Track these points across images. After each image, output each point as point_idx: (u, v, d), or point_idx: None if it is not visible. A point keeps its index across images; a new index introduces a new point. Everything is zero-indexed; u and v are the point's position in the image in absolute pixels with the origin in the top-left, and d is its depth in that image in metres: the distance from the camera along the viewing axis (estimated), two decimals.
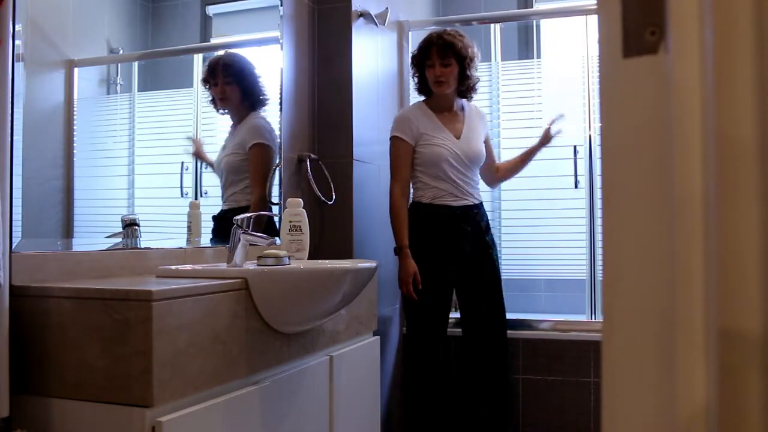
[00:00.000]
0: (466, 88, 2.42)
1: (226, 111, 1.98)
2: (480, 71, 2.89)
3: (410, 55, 2.49)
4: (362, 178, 2.41)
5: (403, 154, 2.36)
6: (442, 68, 2.34)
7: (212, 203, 1.96)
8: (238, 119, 2.01)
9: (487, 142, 2.50)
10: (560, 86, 2.84)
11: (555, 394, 2.52)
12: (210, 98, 1.92)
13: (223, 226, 1.82)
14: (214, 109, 1.94)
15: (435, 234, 2.32)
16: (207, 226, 1.90)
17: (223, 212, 1.95)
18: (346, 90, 2.35)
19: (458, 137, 2.39)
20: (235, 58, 2.05)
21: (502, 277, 2.40)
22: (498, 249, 2.46)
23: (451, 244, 2.31)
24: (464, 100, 2.48)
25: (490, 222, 2.46)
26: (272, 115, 2.22)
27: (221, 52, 2.02)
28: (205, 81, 1.91)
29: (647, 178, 0.52)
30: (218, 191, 1.99)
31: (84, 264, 1.39)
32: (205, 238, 1.87)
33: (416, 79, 2.46)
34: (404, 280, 2.30)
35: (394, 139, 2.37)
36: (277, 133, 2.19)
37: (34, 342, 1.19)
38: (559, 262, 2.87)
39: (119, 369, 1.13)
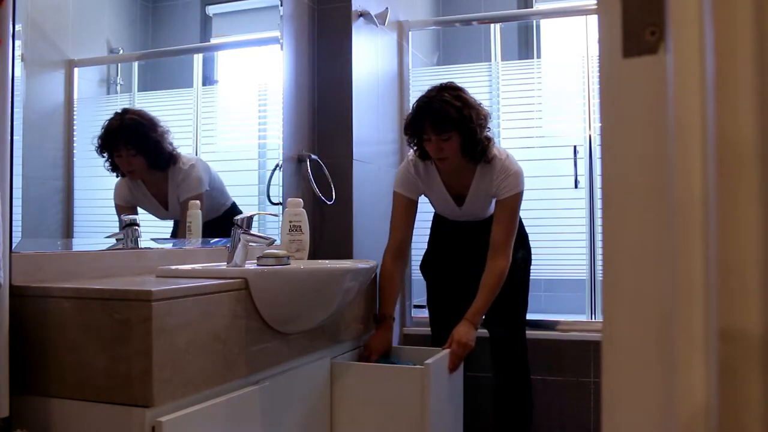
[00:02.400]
0: (474, 154, 2.02)
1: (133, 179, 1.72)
2: (480, 71, 2.90)
3: (404, 121, 2.10)
4: (362, 178, 2.41)
5: (400, 209, 2.15)
6: (440, 143, 1.97)
7: None
8: (154, 184, 1.77)
9: (496, 207, 2.08)
10: (560, 86, 2.84)
11: (555, 394, 2.51)
12: (108, 163, 1.63)
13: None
14: (115, 174, 1.67)
15: (451, 237, 2.29)
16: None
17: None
18: (346, 90, 2.35)
19: (461, 204, 2.15)
20: (135, 121, 1.72)
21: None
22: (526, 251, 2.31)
23: (467, 247, 2.24)
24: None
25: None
26: (272, 114, 2.22)
27: (119, 117, 1.67)
28: (102, 148, 1.61)
29: (647, 178, 0.52)
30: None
31: (84, 264, 1.39)
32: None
33: (414, 147, 2.09)
34: (375, 348, 2.02)
35: (394, 193, 2.17)
36: (278, 133, 2.19)
37: (34, 342, 1.19)
38: (559, 262, 2.86)
39: (119, 369, 1.13)
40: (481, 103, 2.07)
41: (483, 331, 2.29)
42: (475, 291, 2.16)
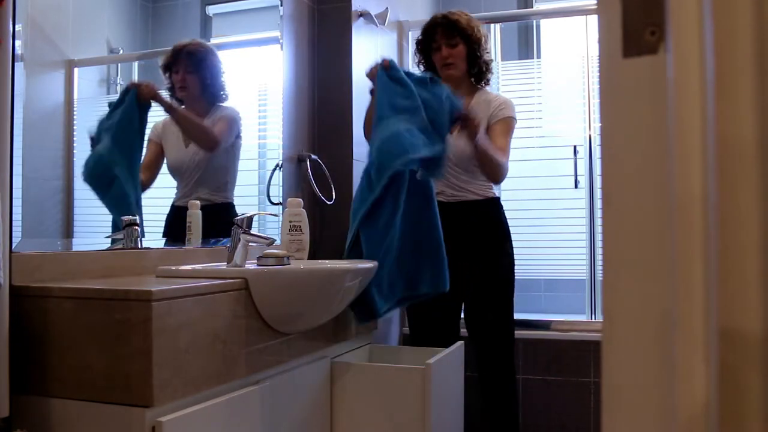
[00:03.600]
0: (477, 71, 2.27)
1: (182, 101, 1.87)
2: None
3: (414, 42, 2.36)
4: None
5: None
6: (449, 49, 2.22)
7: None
8: (195, 113, 1.92)
9: (490, 129, 2.22)
10: (560, 86, 2.84)
11: (555, 394, 2.52)
12: (168, 86, 1.81)
13: (183, 221, 1.80)
14: (171, 98, 1.83)
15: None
16: (159, 219, 1.81)
17: (181, 208, 1.83)
18: (346, 90, 2.35)
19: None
20: (200, 47, 1.93)
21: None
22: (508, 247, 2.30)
23: (453, 241, 2.21)
24: (485, 89, 2.30)
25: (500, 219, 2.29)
26: (272, 114, 2.22)
27: (187, 40, 1.89)
28: (166, 67, 1.80)
29: (647, 178, 0.52)
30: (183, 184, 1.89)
31: (84, 264, 1.39)
32: (156, 234, 1.78)
33: (422, 67, 2.32)
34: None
35: None
36: (278, 133, 2.19)
37: (34, 342, 1.20)
38: (559, 262, 2.86)
39: (119, 369, 1.13)
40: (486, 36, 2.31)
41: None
42: (462, 292, 2.21)
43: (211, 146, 1.93)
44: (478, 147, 2.08)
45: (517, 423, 2.27)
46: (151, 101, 1.72)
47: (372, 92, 2.05)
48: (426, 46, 2.29)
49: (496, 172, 2.18)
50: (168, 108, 1.80)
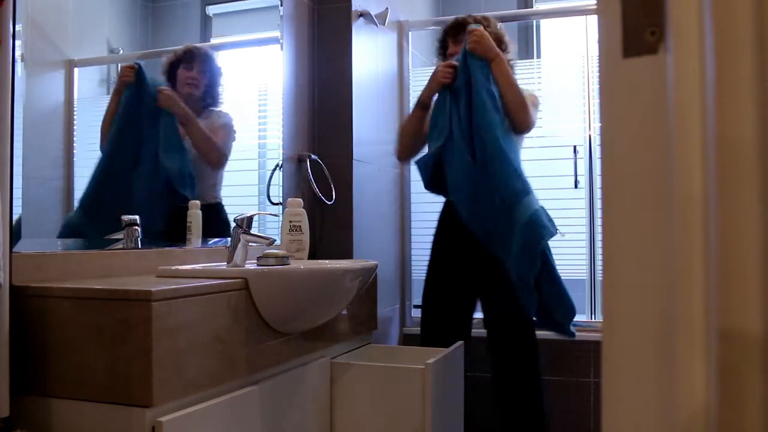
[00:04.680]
0: None
1: (186, 98, 1.87)
2: None
3: (437, 41, 2.42)
4: (362, 178, 2.41)
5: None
6: (455, 47, 2.23)
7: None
8: (194, 112, 1.90)
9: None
10: (560, 86, 2.84)
11: (555, 394, 2.51)
12: (169, 84, 1.81)
13: (178, 221, 1.79)
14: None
15: (455, 231, 2.24)
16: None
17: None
18: (346, 90, 2.35)
19: None
20: (210, 51, 2.00)
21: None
22: None
23: (466, 239, 2.19)
24: None
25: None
26: (272, 114, 2.22)
27: (199, 44, 1.96)
28: (172, 65, 1.83)
29: (647, 178, 0.52)
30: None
31: (84, 264, 1.39)
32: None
33: (440, 59, 2.34)
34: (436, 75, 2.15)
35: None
36: (278, 133, 2.19)
37: (34, 342, 1.20)
38: (559, 262, 2.86)
39: (119, 369, 1.13)
40: (505, 35, 2.28)
41: (483, 332, 2.30)
42: (473, 293, 2.19)
43: (218, 163, 1.96)
44: (495, 68, 2.09)
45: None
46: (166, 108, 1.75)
47: (424, 105, 2.18)
48: (443, 51, 2.31)
49: (523, 104, 2.13)
50: (183, 118, 1.81)
